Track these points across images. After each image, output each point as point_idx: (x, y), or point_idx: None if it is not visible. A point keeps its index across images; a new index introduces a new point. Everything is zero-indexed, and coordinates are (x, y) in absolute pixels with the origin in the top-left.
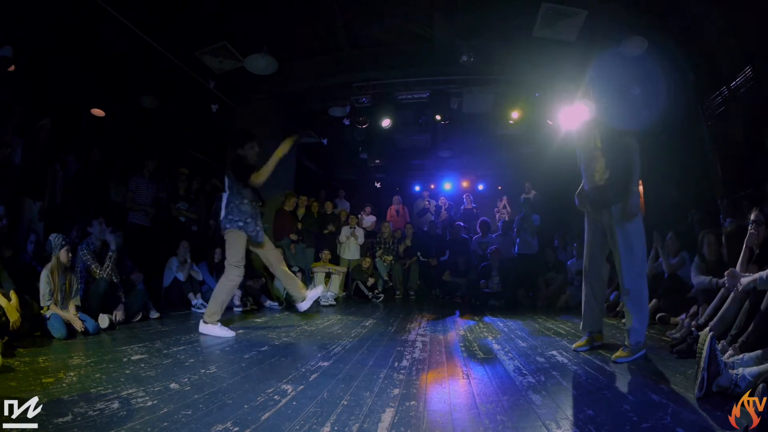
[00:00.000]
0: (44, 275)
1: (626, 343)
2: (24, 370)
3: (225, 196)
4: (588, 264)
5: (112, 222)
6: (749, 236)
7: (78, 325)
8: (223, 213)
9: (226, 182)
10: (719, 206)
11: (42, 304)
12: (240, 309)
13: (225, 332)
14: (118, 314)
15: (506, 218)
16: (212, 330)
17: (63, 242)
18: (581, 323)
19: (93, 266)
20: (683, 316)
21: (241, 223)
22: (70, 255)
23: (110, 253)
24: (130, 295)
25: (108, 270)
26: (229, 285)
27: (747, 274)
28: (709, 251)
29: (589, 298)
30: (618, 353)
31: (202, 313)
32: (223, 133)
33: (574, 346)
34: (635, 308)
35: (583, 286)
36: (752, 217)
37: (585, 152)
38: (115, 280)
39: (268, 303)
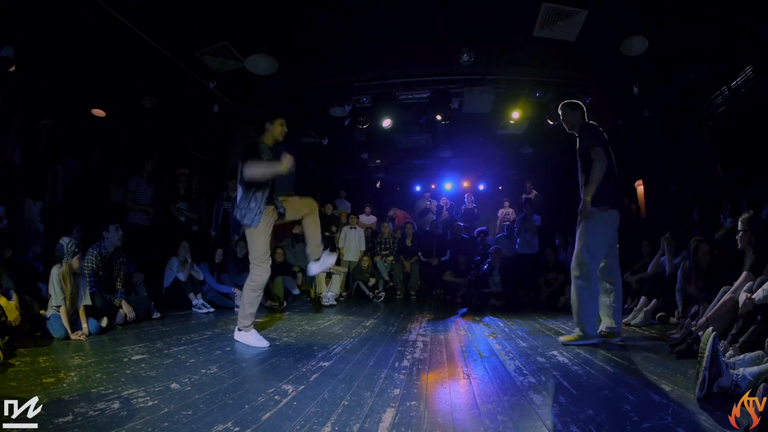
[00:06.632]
0: (56, 278)
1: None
2: (24, 370)
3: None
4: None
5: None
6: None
7: (84, 329)
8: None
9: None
10: (721, 206)
11: (55, 304)
12: (240, 309)
13: (259, 341)
14: (125, 313)
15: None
16: (244, 338)
17: (76, 249)
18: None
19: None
20: None
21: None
22: (81, 262)
23: (122, 259)
24: (133, 298)
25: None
26: (250, 285)
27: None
28: (702, 259)
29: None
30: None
31: (203, 313)
32: (224, 133)
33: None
34: None
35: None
36: (739, 226)
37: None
38: (120, 287)
39: (268, 303)
